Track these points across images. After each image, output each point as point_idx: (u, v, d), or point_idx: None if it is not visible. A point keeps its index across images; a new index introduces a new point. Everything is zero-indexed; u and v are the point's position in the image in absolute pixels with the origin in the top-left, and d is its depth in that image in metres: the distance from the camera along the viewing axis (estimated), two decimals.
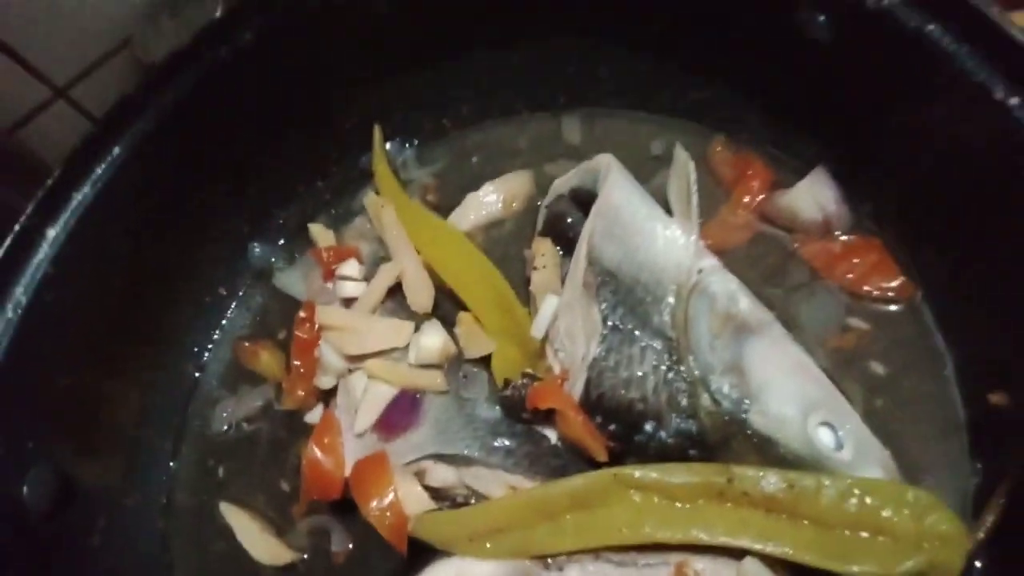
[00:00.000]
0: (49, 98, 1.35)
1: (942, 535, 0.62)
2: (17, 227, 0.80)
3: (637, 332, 0.70)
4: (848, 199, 0.83)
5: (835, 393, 0.72)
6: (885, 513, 0.63)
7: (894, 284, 0.79)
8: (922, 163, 0.77)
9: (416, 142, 1.04)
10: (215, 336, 1.00)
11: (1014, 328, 0.69)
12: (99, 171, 0.84)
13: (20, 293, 0.79)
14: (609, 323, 0.70)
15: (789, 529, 0.64)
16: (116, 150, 0.84)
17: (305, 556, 0.84)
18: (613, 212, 0.76)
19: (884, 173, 0.80)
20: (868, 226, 0.82)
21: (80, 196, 0.83)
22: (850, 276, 0.80)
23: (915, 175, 0.77)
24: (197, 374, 0.98)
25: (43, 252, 0.80)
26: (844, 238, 0.82)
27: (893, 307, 0.79)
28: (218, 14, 1.23)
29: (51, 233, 0.81)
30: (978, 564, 0.66)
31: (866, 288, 0.79)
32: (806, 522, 0.64)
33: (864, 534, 0.63)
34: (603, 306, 0.70)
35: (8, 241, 0.79)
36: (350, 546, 0.83)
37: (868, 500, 0.64)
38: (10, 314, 0.78)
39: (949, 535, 0.62)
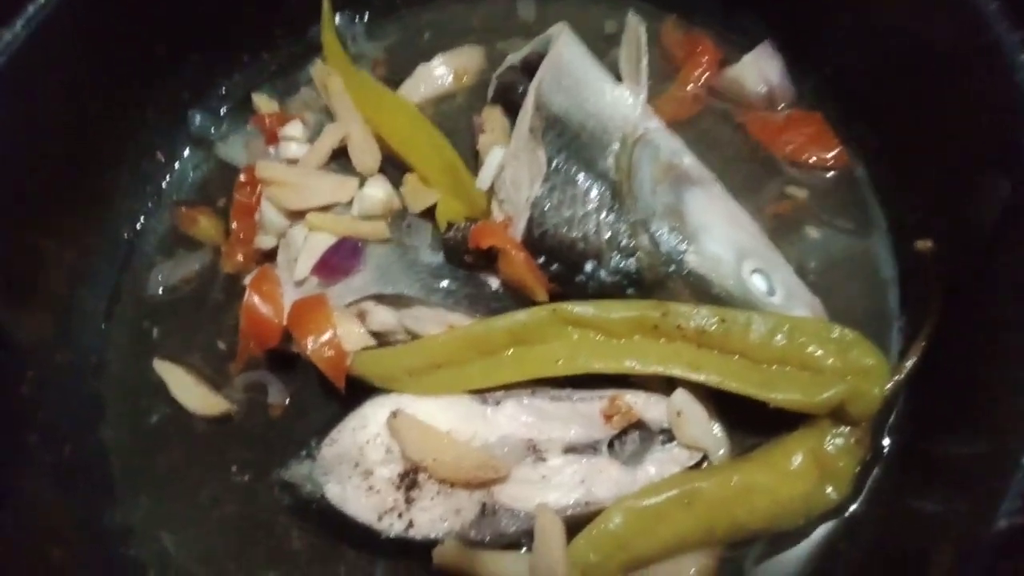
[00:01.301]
0: None
1: (864, 368, 0.65)
2: None
3: (581, 174, 0.71)
4: (791, 74, 0.84)
5: (769, 245, 0.74)
6: (811, 349, 0.66)
7: (831, 154, 0.81)
8: (865, 42, 0.79)
9: (366, 16, 1.02)
10: (152, 201, 0.97)
11: (938, 185, 0.71)
12: (31, 10, 0.80)
13: None
14: (553, 164, 0.70)
15: (718, 361, 0.66)
16: None
17: (239, 408, 0.83)
18: (564, 65, 0.76)
19: (828, 50, 0.83)
20: (809, 101, 0.84)
21: (10, 36, 0.79)
22: (790, 147, 0.82)
23: (857, 54, 0.80)
24: (133, 238, 0.95)
25: None
26: (786, 112, 0.83)
27: (829, 175, 0.81)
28: None
29: None
30: (900, 402, 0.69)
31: (805, 157, 0.81)
32: (735, 356, 0.67)
33: (790, 368, 0.65)
34: (549, 148, 0.70)
35: None
36: (287, 401, 0.83)
37: (796, 336, 0.66)
38: None
39: (871, 368, 0.65)
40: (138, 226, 0.96)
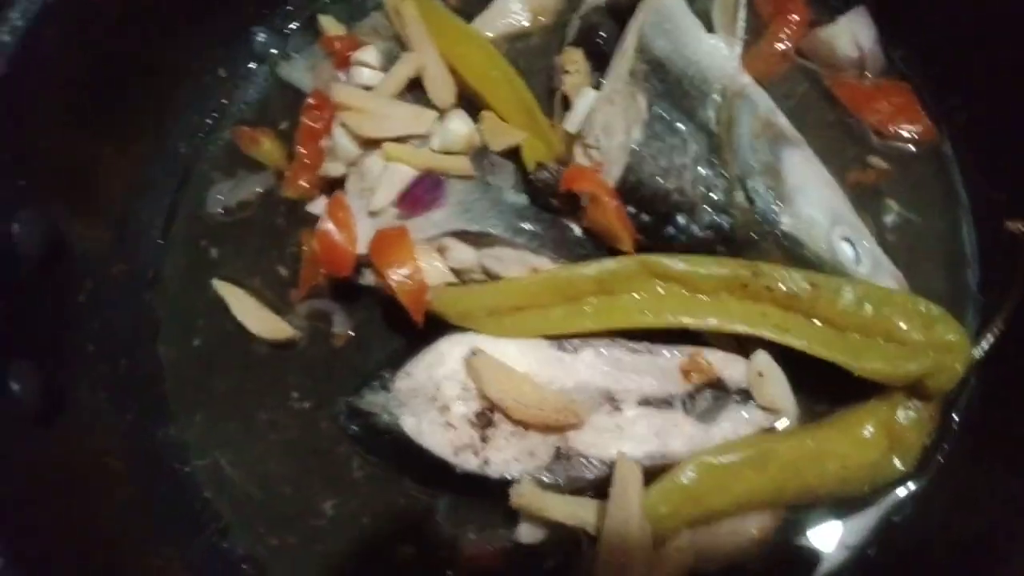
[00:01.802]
0: None
1: (947, 344, 0.66)
2: None
3: (681, 123, 0.69)
4: (883, 42, 0.83)
5: (856, 215, 0.74)
6: (897, 320, 0.66)
7: (918, 127, 0.80)
8: (963, 13, 0.77)
9: None
10: (212, 118, 0.95)
11: None
12: None
13: (17, 18, 0.73)
14: (654, 110, 0.69)
15: (805, 325, 0.66)
16: None
17: (301, 335, 0.82)
18: (664, 8, 0.74)
19: (924, 20, 0.81)
20: (899, 70, 0.83)
21: None
22: (877, 116, 0.81)
23: (954, 25, 0.78)
24: (191, 154, 0.93)
25: None
26: (875, 79, 0.82)
27: (914, 148, 0.81)
28: None
29: None
30: (972, 381, 0.70)
31: (891, 128, 0.81)
32: (820, 322, 0.66)
33: (876, 339, 0.66)
34: (649, 94, 0.69)
35: None
36: (350, 332, 0.82)
37: (883, 307, 0.66)
38: (7, 37, 0.72)
39: (953, 344, 0.66)
40: (197, 142, 0.94)
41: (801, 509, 0.70)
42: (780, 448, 0.66)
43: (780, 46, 0.85)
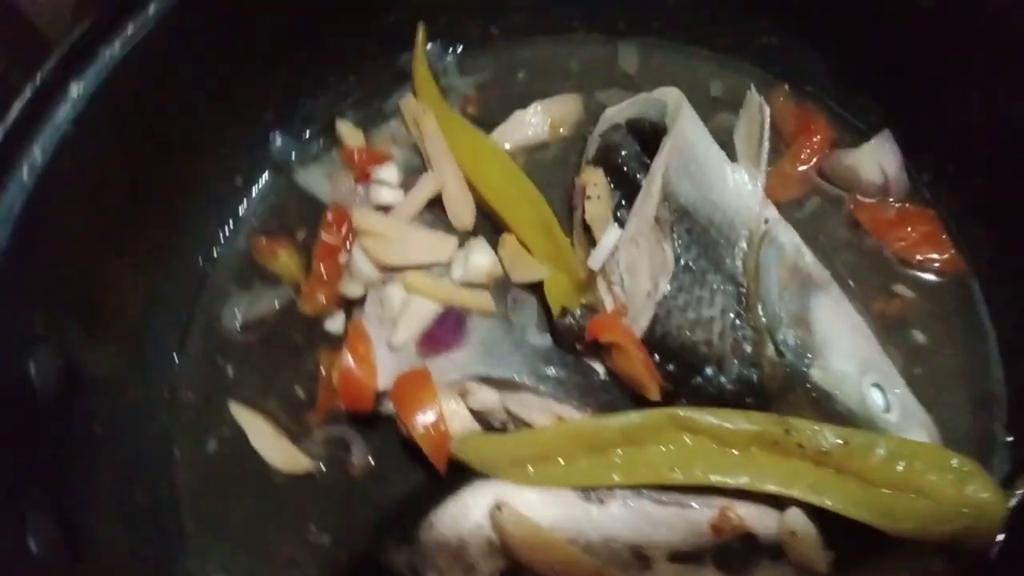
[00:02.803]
0: None
1: (981, 503, 0.64)
2: (39, 78, 0.72)
3: (709, 274, 0.69)
4: (909, 167, 0.82)
5: (885, 357, 0.73)
6: (930, 477, 0.65)
7: (943, 256, 0.80)
8: (987, 141, 0.77)
9: (460, 48, 0.99)
10: (229, 228, 0.94)
11: None
12: (131, 30, 0.76)
13: (38, 153, 0.72)
14: (682, 262, 0.68)
15: (837, 483, 0.65)
16: (151, 8, 0.76)
17: (319, 463, 0.81)
18: (689, 148, 0.73)
19: (950, 148, 0.81)
20: (924, 196, 0.83)
21: (109, 53, 0.75)
22: (901, 243, 0.80)
23: (980, 152, 0.78)
24: (207, 267, 0.92)
25: (65, 110, 0.73)
26: (899, 205, 0.82)
27: (939, 279, 0.80)
28: None
29: (75, 89, 0.73)
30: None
31: (916, 257, 0.80)
32: (852, 479, 0.65)
33: (909, 495, 0.65)
34: (677, 243, 0.68)
35: (28, 93, 0.71)
36: (369, 459, 0.81)
37: (915, 463, 0.65)
38: (25, 176, 0.71)
39: (988, 503, 0.64)
40: (214, 253, 0.93)
41: None
42: None
43: (801, 168, 0.84)
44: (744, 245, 0.71)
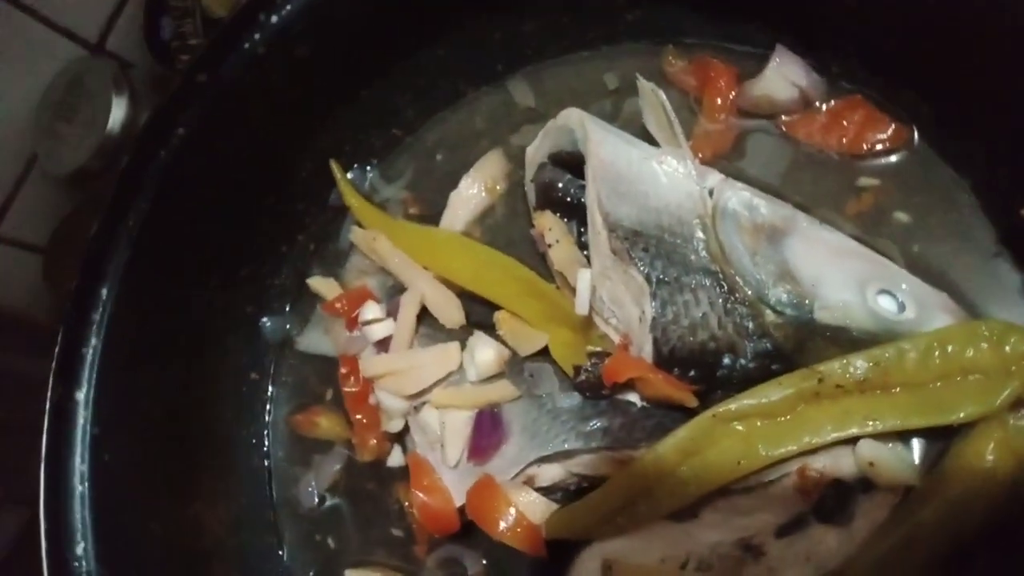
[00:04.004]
0: None
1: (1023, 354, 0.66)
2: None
3: (683, 278, 0.71)
4: (816, 67, 0.83)
5: (878, 259, 0.74)
6: (968, 353, 0.66)
7: (888, 132, 0.80)
8: (872, 9, 0.77)
9: (375, 161, 1.02)
10: (266, 421, 1.00)
11: (1015, 141, 0.70)
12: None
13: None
14: (653, 280, 0.70)
15: (888, 403, 0.67)
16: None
17: None
18: (610, 169, 0.75)
19: (841, 31, 0.80)
20: (843, 86, 0.83)
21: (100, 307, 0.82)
22: (845, 139, 0.81)
23: (874, 23, 0.77)
24: (267, 463, 0.98)
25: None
26: (825, 106, 0.82)
27: (895, 155, 0.80)
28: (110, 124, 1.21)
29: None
30: None
31: (864, 146, 0.80)
32: (899, 390, 0.67)
33: (957, 379, 0.66)
34: (641, 266, 0.71)
35: None
36: (484, 563, 0.86)
37: (949, 348, 0.67)
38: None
39: None
40: (265, 450, 0.98)
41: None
42: (925, 518, 0.67)
43: (721, 116, 0.85)
44: (700, 234, 0.72)
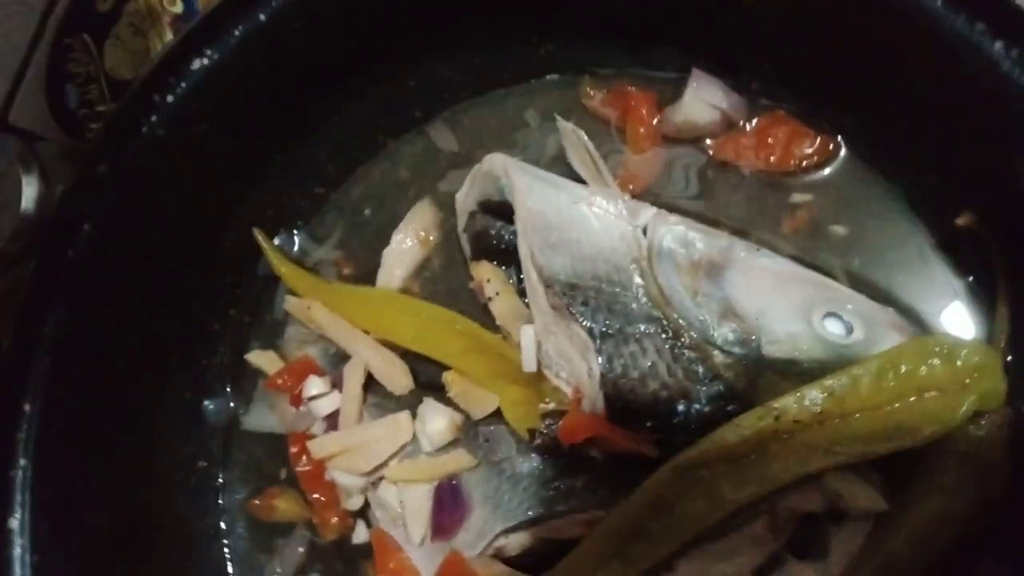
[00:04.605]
0: None
1: (977, 366, 0.65)
2: None
3: (627, 328, 0.69)
4: (734, 86, 0.81)
5: (820, 280, 0.73)
6: (922, 371, 0.66)
7: (815, 146, 0.79)
8: (779, 25, 0.76)
9: (302, 223, 0.98)
10: (220, 508, 0.95)
11: (940, 146, 0.70)
12: None
13: None
14: (596, 334, 0.68)
15: (848, 432, 0.66)
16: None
17: None
18: (539, 220, 0.73)
19: (754, 51, 0.79)
20: (764, 103, 0.82)
21: None
22: (772, 158, 0.80)
23: (785, 42, 0.76)
24: (227, 552, 0.94)
25: None
26: (749, 125, 0.81)
27: (824, 168, 0.80)
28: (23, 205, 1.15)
29: None
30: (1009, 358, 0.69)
31: (792, 162, 0.80)
32: (858, 416, 0.66)
33: (913, 399, 0.65)
34: (583, 320, 0.68)
35: None
36: None
37: (902, 368, 0.66)
38: None
39: (983, 363, 0.65)
40: (223, 542, 0.94)
41: None
42: (895, 547, 0.66)
43: (645, 145, 0.83)
44: (639, 279, 0.71)
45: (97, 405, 0.84)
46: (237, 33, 0.78)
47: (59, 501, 0.79)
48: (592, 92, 0.88)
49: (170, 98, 0.79)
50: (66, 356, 0.80)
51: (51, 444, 0.79)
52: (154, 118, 0.79)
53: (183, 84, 0.79)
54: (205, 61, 0.78)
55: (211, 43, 0.78)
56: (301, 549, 0.91)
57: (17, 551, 0.75)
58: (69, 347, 0.80)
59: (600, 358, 0.68)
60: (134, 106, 0.79)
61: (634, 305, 0.70)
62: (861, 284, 0.75)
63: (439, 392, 0.83)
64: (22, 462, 0.77)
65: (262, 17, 0.78)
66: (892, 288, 0.75)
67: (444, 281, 0.91)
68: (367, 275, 0.94)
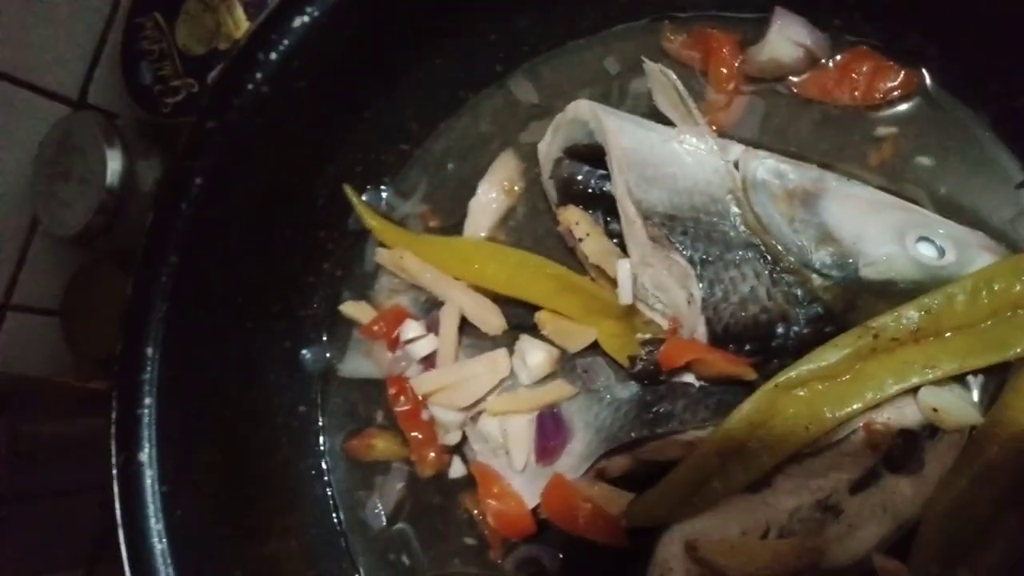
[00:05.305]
0: None
1: None
2: None
3: (726, 255, 0.72)
4: (817, 23, 0.83)
5: (910, 207, 0.75)
6: (1015, 289, 0.68)
7: (899, 79, 0.80)
8: None
9: (388, 179, 1.02)
10: (321, 450, 1.00)
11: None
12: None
13: None
14: (697, 261, 0.71)
15: (944, 348, 0.68)
16: None
17: None
18: (634, 157, 0.76)
19: None
20: (848, 39, 0.83)
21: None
22: (856, 92, 0.81)
23: None
24: (330, 491, 0.99)
25: None
26: (832, 62, 0.83)
27: (908, 101, 0.81)
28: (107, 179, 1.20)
29: None
30: None
31: (877, 96, 0.81)
32: (952, 334, 0.69)
33: (1007, 315, 0.67)
34: (683, 249, 0.71)
35: None
36: (561, 557, 0.87)
37: (995, 286, 0.68)
38: None
39: None
40: (325, 479, 1.00)
41: None
42: (991, 456, 0.68)
43: (730, 85, 0.85)
44: (735, 208, 0.73)
45: (207, 351, 0.90)
46: None
47: (179, 439, 0.85)
48: (672, 36, 0.90)
49: (273, 55, 0.83)
50: (180, 304, 0.85)
51: (170, 386, 0.85)
52: (258, 75, 0.83)
53: (285, 41, 0.83)
54: (306, 19, 0.82)
55: (312, 1, 0.82)
56: (400, 484, 0.96)
57: (148, 481, 0.81)
58: (182, 296, 0.85)
59: (701, 284, 0.71)
60: (240, 63, 0.83)
61: (732, 233, 0.72)
62: (949, 211, 0.76)
63: (532, 332, 0.87)
64: (147, 401, 0.83)
65: None
66: (980, 212, 0.76)
67: (529, 229, 0.95)
68: (453, 227, 0.97)
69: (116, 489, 0.80)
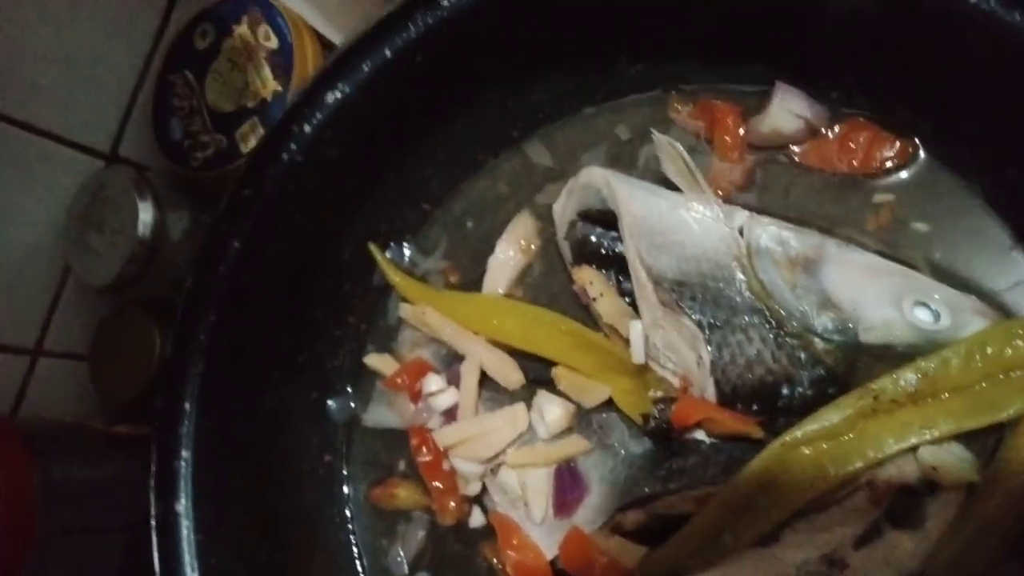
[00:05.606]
0: (28, 364, 1.36)
1: None
2: None
3: (733, 319, 0.76)
4: (815, 96, 0.88)
5: (907, 272, 0.79)
6: (1007, 352, 0.71)
7: (895, 149, 0.85)
8: (857, 36, 0.82)
9: (411, 237, 1.07)
10: (345, 497, 1.04)
11: (1014, 145, 0.76)
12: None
13: None
14: (705, 325, 0.75)
15: (941, 409, 0.72)
16: None
17: None
18: (644, 224, 0.80)
19: (833, 65, 0.85)
20: (844, 111, 0.88)
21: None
22: (855, 161, 0.86)
23: (862, 56, 0.83)
24: (353, 538, 1.03)
25: None
26: (831, 132, 0.88)
27: (904, 170, 0.86)
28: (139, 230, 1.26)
29: None
30: None
31: (874, 164, 0.85)
32: (949, 395, 0.72)
33: (1000, 377, 0.71)
34: (692, 314, 0.76)
35: None
36: None
37: (988, 350, 0.72)
38: None
39: None
40: (349, 527, 1.03)
41: None
42: (989, 511, 0.72)
43: (733, 154, 0.90)
44: (740, 275, 0.78)
45: (240, 404, 0.95)
46: (366, 68, 0.87)
47: (213, 490, 0.89)
48: (679, 107, 0.95)
49: (307, 128, 0.89)
50: (216, 359, 0.90)
51: (205, 438, 0.89)
52: (293, 146, 0.89)
53: (318, 115, 0.89)
54: (338, 94, 0.88)
55: (343, 78, 0.88)
56: (422, 533, 0.99)
57: (184, 531, 0.85)
58: (219, 353, 0.90)
59: (710, 347, 0.75)
60: (276, 135, 0.89)
61: (738, 299, 0.77)
62: (944, 276, 0.80)
63: (549, 386, 0.91)
64: (184, 454, 0.87)
65: (388, 53, 0.87)
66: (973, 277, 0.80)
67: (545, 286, 0.99)
68: (472, 283, 1.02)
69: (154, 539, 0.84)
